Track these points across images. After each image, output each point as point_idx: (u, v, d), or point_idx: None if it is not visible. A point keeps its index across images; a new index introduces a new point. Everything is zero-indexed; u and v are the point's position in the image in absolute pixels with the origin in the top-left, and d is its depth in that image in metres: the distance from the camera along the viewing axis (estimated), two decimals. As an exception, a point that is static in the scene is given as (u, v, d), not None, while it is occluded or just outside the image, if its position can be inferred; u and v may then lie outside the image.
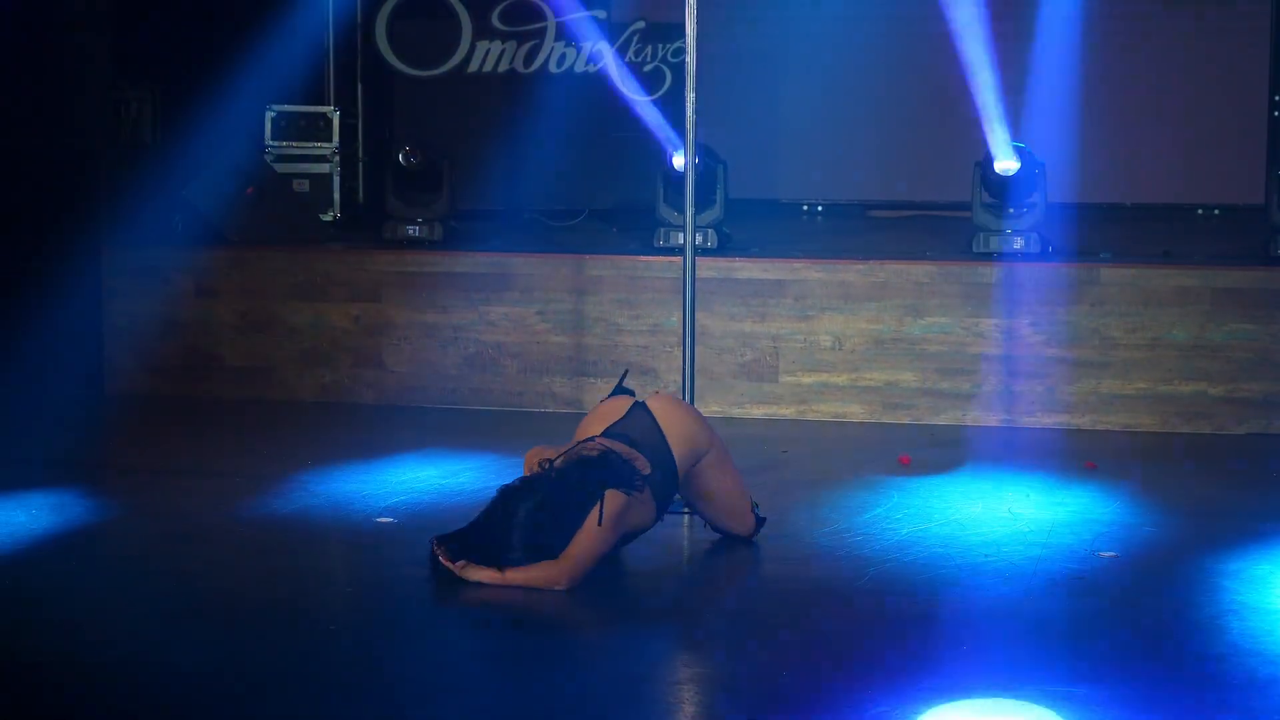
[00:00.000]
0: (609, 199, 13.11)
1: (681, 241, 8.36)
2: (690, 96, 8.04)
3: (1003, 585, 6.83)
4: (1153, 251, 10.78)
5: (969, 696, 5.52)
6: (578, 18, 13.40)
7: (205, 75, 12.01)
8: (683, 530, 7.63)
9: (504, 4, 13.44)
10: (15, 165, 10.61)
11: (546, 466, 6.75)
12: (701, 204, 10.27)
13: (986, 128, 10.57)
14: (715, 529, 7.36)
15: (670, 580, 7.17)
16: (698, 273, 8.27)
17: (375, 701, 5.48)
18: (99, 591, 6.72)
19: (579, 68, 13.48)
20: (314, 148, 12.64)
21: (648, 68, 13.44)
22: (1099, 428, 9.99)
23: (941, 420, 10.10)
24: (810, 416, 10.25)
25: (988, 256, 10.40)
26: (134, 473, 8.76)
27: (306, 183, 12.51)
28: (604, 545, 6.65)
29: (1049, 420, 10.03)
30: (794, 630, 6.31)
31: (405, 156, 11.17)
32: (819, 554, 7.26)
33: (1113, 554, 7.25)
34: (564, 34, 13.43)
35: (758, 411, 10.29)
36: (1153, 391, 9.96)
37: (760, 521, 7.34)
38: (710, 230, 10.70)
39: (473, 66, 13.51)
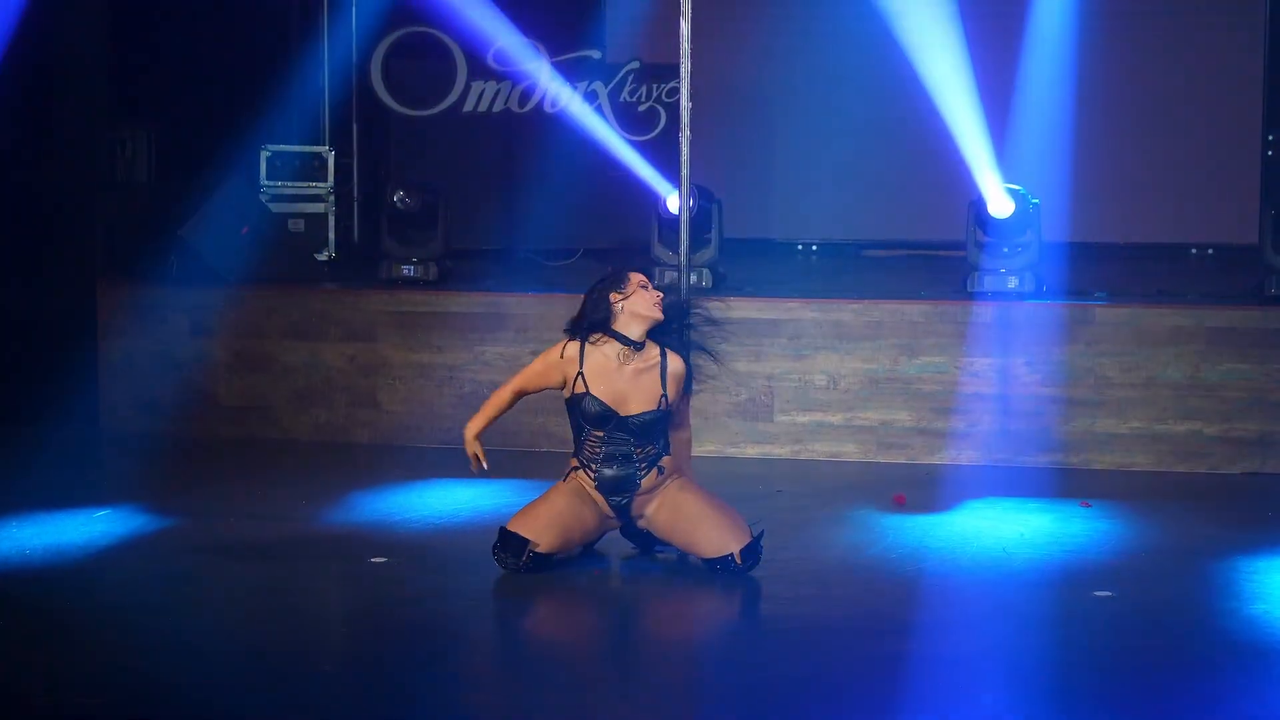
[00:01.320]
0: (604, 238, 13.13)
1: (675, 279, 8.37)
2: (685, 136, 8.07)
3: (999, 624, 6.83)
4: (1147, 291, 10.80)
5: (964, 737, 5.52)
6: (572, 58, 13.45)
7: (202, 115, 12.05)
8: (670, 570, 7.65)
9: (499, 44, 13.49)
10: (11, 203, 10.63)
11: None
12: (696, 243, 10.30)
13: (978, 172, 10.61)
14: (706, 561, 7.44)
15: (664, 622, 7.17)
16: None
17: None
18: (89, 634, 6.70)
19: (573, 108, 13.52)
20: (309, 187, 12.68)
21: (642, 108, 13.50)
22: (1094, 467, 9.99)
23: (936, 459, 10.10)
24: (805, 456, 10.25)
25: (982, 296, 10.42)
26: (127, 512, 8.74)
27: (302, 222, 12.53)
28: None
29: (1044, 459, 10.03)
30: (785, 671, 6.30)
31: (400, 199, 11.19)
32: (813, 594, 7.25)
33: (1108, 594, 7.25)
34: (558, 74, 13.48)
35: (753, 451, 10.29)
36: (1148, 431, 9.96)
37: (755, 546, 7.41)
38: (705, 270, 10.72)
39: (468, 106, 13.56)
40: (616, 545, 7.77)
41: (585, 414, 7.43)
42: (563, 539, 7.38)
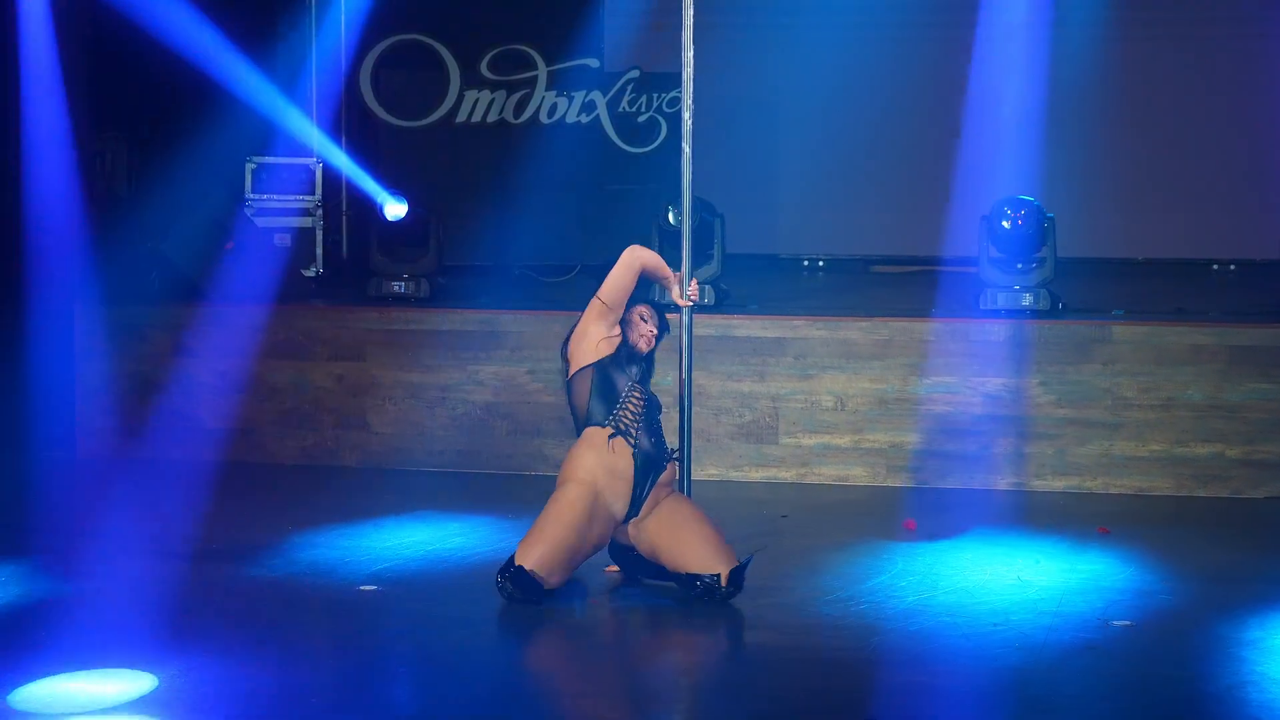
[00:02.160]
0: (602, 254, 13.12)
1: (673, 299, 8.38)
2: (686, 148, 8.09)
3: (1012, 655, 6.84)
4: (1167, 308, 10.82)
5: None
6: (569, 67, 13.48)
7: (183, 125, 12.05)
8: (665, 600, 7.67)
9: (493, 53, 13.53)
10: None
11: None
12: (698, 259, 10.31)
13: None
14: (686, 580, 7.51)
15: (668, 650, 7.18)
16: (694, 330, 8.31)
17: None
18: (72, 667, 6.71)
19: (571, 118, 13.56)
20: (296, 200, 12.69)
21: (642, 118, 13.53)
22: (1111, 491, 10.00)
23: (948, 483, 10.11)
24: (811, 480, 10.26)
25: (995, 313, 10.43)
26: (106, 539, 8.75)
27: (288, 237, 12.54)
28: None
29: (1059, 483, 10.04)
30: (794, 702, 6.31)
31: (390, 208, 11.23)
32: (821, 624, 7.26)
33: (1127, 623, 7.26)
34: (555, 83, 13.51)
35: (757, 474, 10.30)
36: (1167, 453, 9.98)
37: (740, 572, 7.46)
38: (707, 286, 10.73)
39: (461, 117, 13.59)
40: (604, 577, 7.80)
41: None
42: (571, 569, 7.47)
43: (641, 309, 7.88)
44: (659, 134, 13.46)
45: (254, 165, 12.61)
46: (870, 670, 6.67)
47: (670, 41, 8.51)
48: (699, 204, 10.21)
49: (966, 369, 10.15)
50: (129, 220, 11.80)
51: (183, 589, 7.73)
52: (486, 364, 10.59)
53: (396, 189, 11.50)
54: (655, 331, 7.85)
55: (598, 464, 7.57)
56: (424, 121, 13.56)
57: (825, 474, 10.27)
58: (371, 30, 13.41)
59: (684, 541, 7.52)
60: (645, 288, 8.35)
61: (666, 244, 10.78)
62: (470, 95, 13.55)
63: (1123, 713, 6.20)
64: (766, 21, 14.00)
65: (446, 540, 8.65)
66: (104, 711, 6.15)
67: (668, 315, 8.01)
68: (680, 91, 8.09)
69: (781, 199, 14.35)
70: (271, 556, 8.31)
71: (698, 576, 7.42)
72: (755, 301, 11.07)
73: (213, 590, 7.72)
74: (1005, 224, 10.56)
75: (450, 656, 6.81)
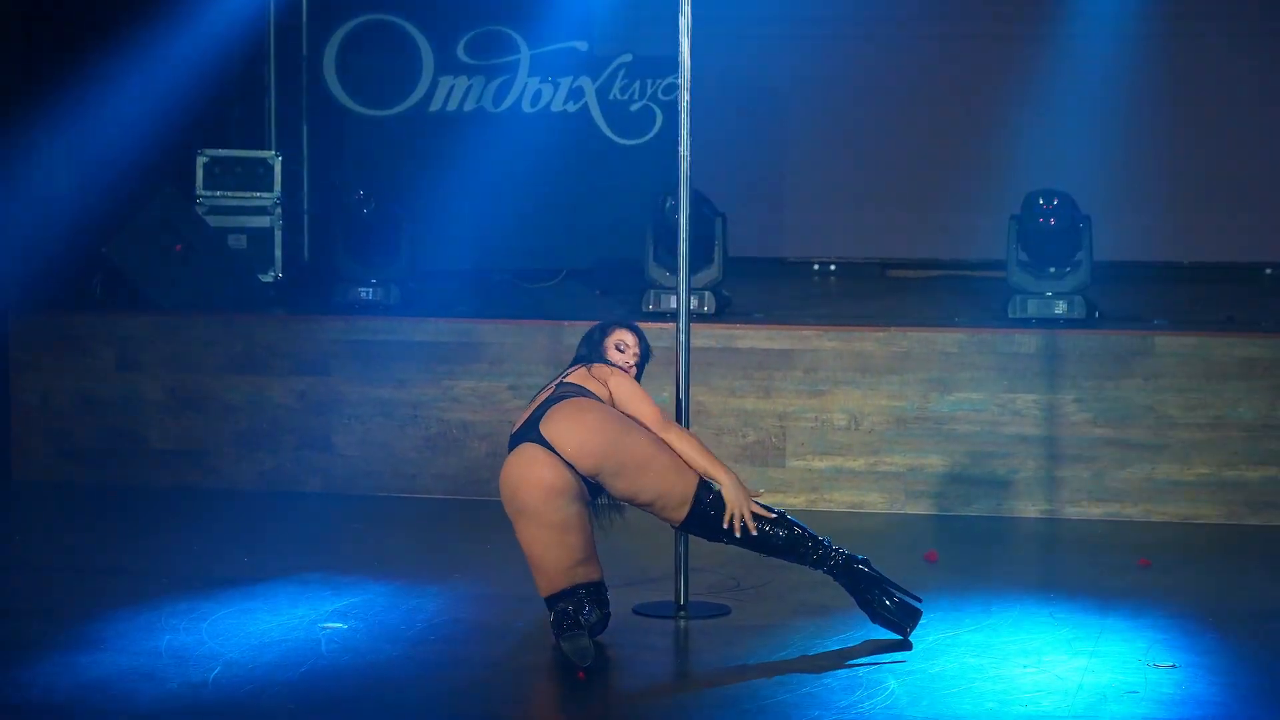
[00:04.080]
0: (591, 257, 13.18)
1: (674, 306, 8.42)
2: (684, 140, 8.09)
3: (1043, 700, 6.84)
4: (1215, 317, 10.84)
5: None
6: (555, 50, 13.50)
7: (128, 114, 12.05)
8: (669, 641, 7.67)
9: (470, 34, 13.54)
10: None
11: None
12: (697, 263, 10.33)
13: None
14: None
15: (678, 688, 7.19)
16: (693, 341, 8.31)
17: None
18: None
19: (556, 106, 13.58)
20: (253, 198, 12.70)
21: (635, 107, 13.55)
22: (1153, 519, 10.02)
23: (973, 511, 10.13)
24: (822, 506, 10.27)
25: (1025, 323, 10.46)
26: (40, 571, 8.75)
27: (244, 238, 12.56)
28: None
29: (1096, 510, 10.06)
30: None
31: (360, 200, 11.24)
32: (831, 663, 7.27)
33: (1170, 664, 7.27)
34: (539, 68, 13.53)
35: (762, 500, 10.29)
36: (1216, 477, 10.00)
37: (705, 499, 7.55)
38: (707, 293, 10.75)
39: (435, 105, 13.61)
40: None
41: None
42: (584, 537, 7.45)
43: (618, 336, 7.87)
44: (654, 124, 13.49)
45: (206, 159, 12.62)
46: (887, 718, 6.68)
47: (666, 22, 8.51)
48: (698, 201, 10.22)
49: (993, 384, 10.17)
50: (67, 220, 11.81)
51: (120, 627, 7.72)
52: (463, 378, 10.60)
53: (364, 185, 11.50)
54: (633, 364, 7.85)
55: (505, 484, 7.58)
56: (395, 110, 13.57)
57: (837, 500, 10.28)
58: (337, 9, 13.43)
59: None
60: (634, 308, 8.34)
61: (662, 245, 10.81)
62: (445, 81, 13.57)
63: (1166, 763, 6.22)
64: (773, 1, 14.01)
65: (416, 573, 8.64)
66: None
67: (661, 324, 8.00)
68: (677, 77, 8.10)
69: (789, 196, 14.38)
70: (225, 590, 8.30)
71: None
72: (760, 310, 11.09)
73: (154, 622, 7.71)
74: (1039, 222, 10.58)
75: (421, 700, 6.80)
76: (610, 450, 7.47)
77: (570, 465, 7.42)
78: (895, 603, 7.58)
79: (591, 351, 7.84)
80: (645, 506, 7.61)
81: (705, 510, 7.58)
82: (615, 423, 7.54)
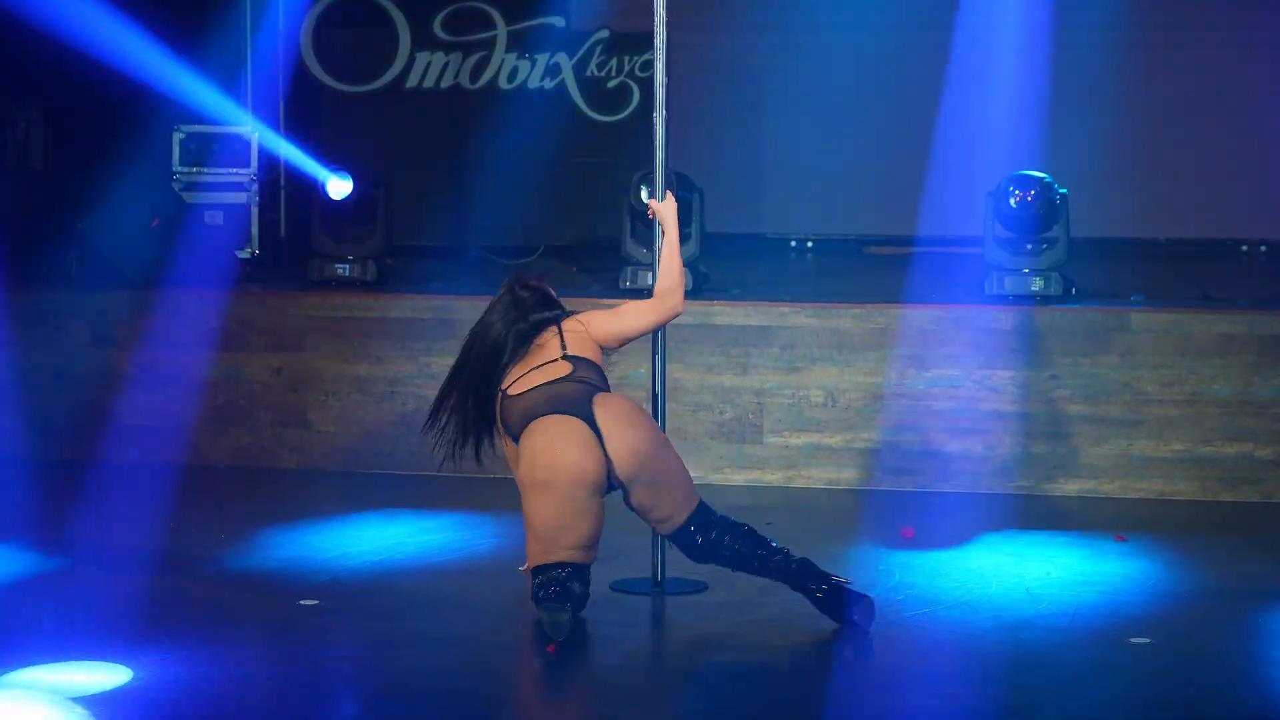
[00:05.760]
0: (568, 233, 13.16)
1: (650, 282, 8.39)
2: (659, 116, 8.08)
3: (1023, 676, 6.85)
4: (1191, 294, 10.84)
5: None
6: (531, 26, 13.47)
7: (104, 92, 12.02)
8: (666, 613, 7.67)
9: (447, 10, 13.51)
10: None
11: None
12: (674, 239, 10.30)
13: None
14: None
15: (641, 674, 7.19)
16: (670, 318, 8.29)
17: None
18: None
19: (533, 83, 13.56)
20: (229, 174, 12.66)
21: (612, 83, 13.53)
22: (1130, 495, 10.03)
23: (950, 487, 10.13)
24: (799, 483, 10.27)
25: (1002, 300, 10.46)
26: (13, 549, 8.73)
27: (220, 215, 12.52)
28: None
29: (1073, 487, 10.07)
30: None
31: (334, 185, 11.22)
32: (812, 640, 7.27)
33: (1146, 640, 7.28)
34: (516, 44, 13.50)
35: (739, 477, 10.31)
36: (1191, 454, 10.01)
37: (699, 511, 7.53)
38: (685, 269, 10.72)
39: (411, 81, 13.58)
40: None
41: None
42: (595, 529, 7.42)
43: (535, 285, 7.82)
44: (631, 101, 13.47)
45: (182, 135, 12.58)
46: (866, 692, 6.69)
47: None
48: (675, 178, 10.20)
49: (970, 361, 10.17)
50: (43, 196, 11.77)
51: (96, 603, 7.70)
52: (440, 355, 10.57)
53: (340, 162, 11.48)
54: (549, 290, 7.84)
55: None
56: (370, 86, 13.54)
57: (814, 476, 10.28)
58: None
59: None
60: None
61: (638, 222, 10.79)
62: (422, 57, 13.54)
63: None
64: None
65: (394, 550, 8.64)
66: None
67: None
68: (654, 54, 8.08)
69: (767, 173, 14.36)
70: (201, 568, 8.29)
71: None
72: (737, 286, 11.07)
73: (129, 602, 7.69)
74: (1013, 201, 10.58)
75: (398, 678, 6.79)
76: (651, 463, 7.43)
77: (609, 460, 7.39)
78: (832, 589, 7.49)
79: (548, 305, 7.74)
80: (645, 514, 7.56)
81: (692, 536, 7.52)
82: (660, 435, 7.56)
